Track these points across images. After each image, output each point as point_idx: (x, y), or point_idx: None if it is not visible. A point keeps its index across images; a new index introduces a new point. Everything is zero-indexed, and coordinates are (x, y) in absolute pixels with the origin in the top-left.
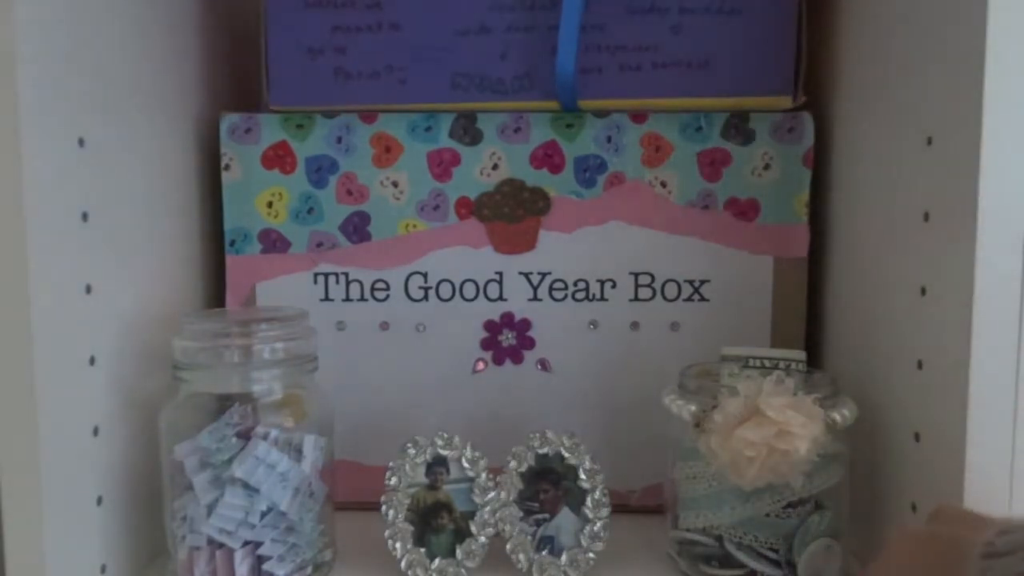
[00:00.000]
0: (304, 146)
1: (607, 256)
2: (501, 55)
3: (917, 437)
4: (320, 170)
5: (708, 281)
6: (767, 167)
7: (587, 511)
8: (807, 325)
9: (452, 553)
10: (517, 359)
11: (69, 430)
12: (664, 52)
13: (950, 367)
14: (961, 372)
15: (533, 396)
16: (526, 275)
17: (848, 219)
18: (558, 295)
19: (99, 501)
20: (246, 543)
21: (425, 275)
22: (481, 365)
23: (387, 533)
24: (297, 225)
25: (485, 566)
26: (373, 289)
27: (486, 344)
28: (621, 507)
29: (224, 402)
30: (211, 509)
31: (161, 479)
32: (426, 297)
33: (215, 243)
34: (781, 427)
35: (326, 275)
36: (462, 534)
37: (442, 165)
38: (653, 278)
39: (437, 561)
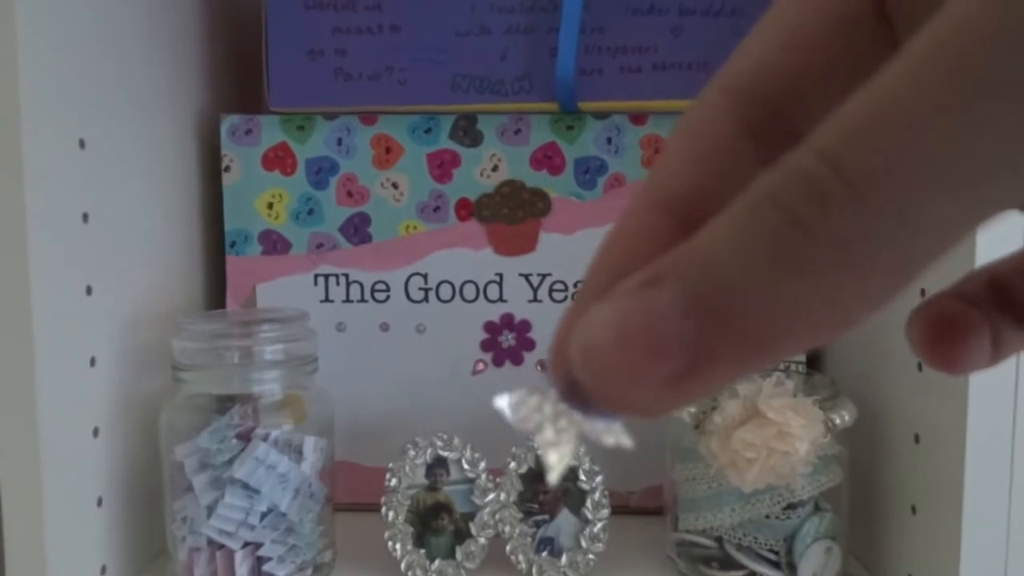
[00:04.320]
0: (304, 147)
1: None
2: (501, 56)
3: (917, 438)
4: (320, 171)
5: None
6: None
7: (587, 512)
8: None
9: (452, 554)
10: (517, 360)
11: (69, 431)
12: (664, 53)
13: None
14: None
15: None
16: (526, 276)
17: None
18: (558, 296)
19: (99, 502)
20: (246, 544)
21: (425, 276)
22: (481, 366)
23: (387, 534)
24: (297, 226)
25: (485, 567)
26: (373, 290)
27: (486, 345)
28: (620, 508)
29: (224, 403)
30: (211, 510)
31: (161, 480)
32: (426, 298)
33: (215, 244)
34: (781, 428)
35: (326, 276)
36: (462, 535)
37: (442, 166)
38: None
39: (437, 562)
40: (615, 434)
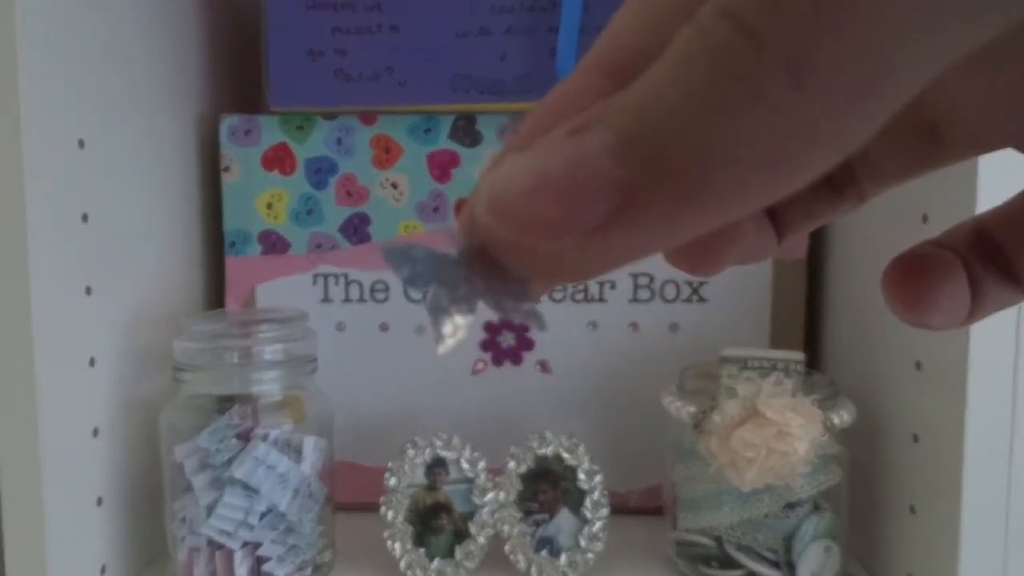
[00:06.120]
0: (304, 147)
1: None
2: (501, 56)
3: (915, 438)
4: (320, 171)
5: (707, 282)
6: None
7: (586, 512)
8: (806, 326)
9: (451, 554)
10: (516, 360)
11: (69, 431)
12: None
13: (949, 368)
14: (960, 373)
15: (532, 397)
16: None
17: (847, 220)
18: (557, 296)
19: (99, 502)
20: (245, 544)
21: None
22: (480, 366)
23: (386, 534)
24: (297, 226)
25: (484, 567)
26: (373, 290)
27: (485, 345)
28: (620, 508)
29: (224, 403)
30: (211, 510)
31: (161, 480)
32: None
33: (215, 244)
34: (780, 428)
35: (326, 276)
36: (461, 535)
37: (442, 167)
38: (652, 279)
39: (436, 562)
40: (521, 311)
